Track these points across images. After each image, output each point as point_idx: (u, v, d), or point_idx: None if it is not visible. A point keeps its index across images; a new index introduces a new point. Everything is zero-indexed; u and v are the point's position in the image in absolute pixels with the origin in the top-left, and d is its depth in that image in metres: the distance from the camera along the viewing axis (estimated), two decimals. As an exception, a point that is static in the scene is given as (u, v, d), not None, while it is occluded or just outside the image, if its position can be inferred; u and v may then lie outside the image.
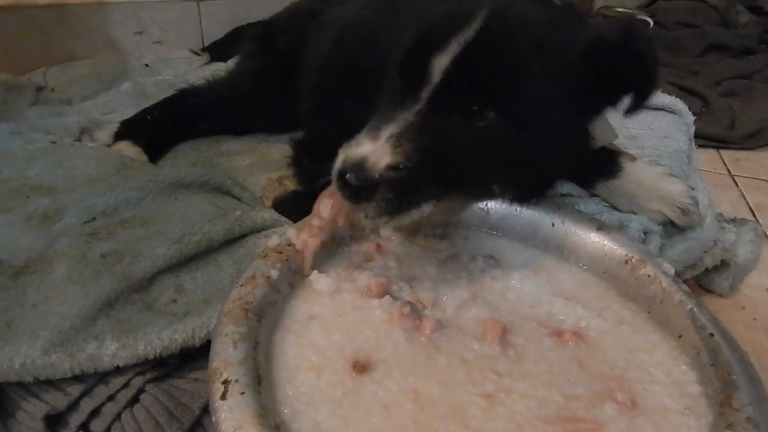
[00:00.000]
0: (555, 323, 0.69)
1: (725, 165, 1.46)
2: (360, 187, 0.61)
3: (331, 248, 0.78)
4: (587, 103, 0.75)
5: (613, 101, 0.76)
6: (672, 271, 0.74)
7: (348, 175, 0.61)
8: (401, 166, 0.61)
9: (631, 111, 0.74)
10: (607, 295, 0.75)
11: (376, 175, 0.60)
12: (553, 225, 0.83)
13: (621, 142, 1.13)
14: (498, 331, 0.64)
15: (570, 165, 0.88)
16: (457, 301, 0.69)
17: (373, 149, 0.61)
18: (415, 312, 0.66)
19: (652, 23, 2.14)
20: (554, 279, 0.76)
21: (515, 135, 0.69)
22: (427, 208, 0.69)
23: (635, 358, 0.64)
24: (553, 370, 0.62)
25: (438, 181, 0.66)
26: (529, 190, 0.84)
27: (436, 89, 0.64)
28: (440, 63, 0.63)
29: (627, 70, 0.70)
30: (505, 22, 0.66)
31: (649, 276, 0.74)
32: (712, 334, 0.65)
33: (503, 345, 0.64)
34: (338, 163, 0.64)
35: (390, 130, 0.62)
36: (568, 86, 0.69)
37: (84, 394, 0.65)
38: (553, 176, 0.90)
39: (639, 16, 2.17)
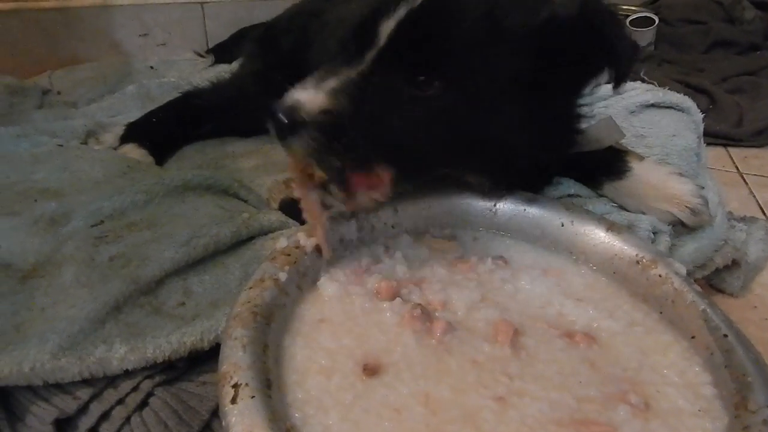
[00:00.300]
0: (566, 324, 0.68)
1: (733, 162, 1.45)
2: (292, 123, 0.62)
3: (339, 251, 0.77)
4: (550, 82, 0.71)
5: (581, 80, 0.74)
6: (684, 271, 0.74)
7: (279, 115, 0.62)
8: (333, 112, 0.62)
9: (616, 86, 0.72)
10: (617, 296, 0.74)
11: (306, 117, 0.62)
12: (562, 225, 0.83)
13: (629, 141, 1.13)
14: (509, 333, 0.64)
15: (546, 152, 0.83)
16: (467, 303, 0.69)
17: (309, 96, 0.63)
18: (426, 314, 0.65)
19: (657, 20, 2.13)
20: (564, 280, 0.76)
21: (464, 108, 0.68)
22: (385, 191, 0.71)
23: (648, 359, 0.64)
24: (564, 371, 0.61)
25: (377, 143, 0.67)
26: (506, 181, 0.83)
27: (380, 52, 0.65)
28: (386, 27, 0.64)
29: (586, 48, 0.68)
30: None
31: (660, 276, 0.73)
32: (725, 335, 0.64)
33: (514, 347, 0.63)
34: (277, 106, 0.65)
35: (330, 83, 0.64)
36: (524, 63, 0.67)
37: (93, 398, 0.64)
38: (530, 166, 0.85)
39: (644, 14, 2.16)
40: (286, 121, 0.62)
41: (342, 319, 0.66)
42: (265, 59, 1.40)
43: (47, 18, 1.61)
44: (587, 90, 0.79)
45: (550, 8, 0.66)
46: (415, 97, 0.66)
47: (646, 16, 2.14)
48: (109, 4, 1.67)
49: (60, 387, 0.64)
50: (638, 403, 0.57)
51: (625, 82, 0.69)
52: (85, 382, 0.64)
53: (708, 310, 0.67)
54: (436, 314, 0.67)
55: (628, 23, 2.14)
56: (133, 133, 1.22)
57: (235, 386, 0.54)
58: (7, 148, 1.02)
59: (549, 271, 0.77)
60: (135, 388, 0.65)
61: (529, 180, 0.88)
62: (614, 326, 0.68)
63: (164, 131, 1.26)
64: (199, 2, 1.78)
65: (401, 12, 0.64)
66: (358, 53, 0.66)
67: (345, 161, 0.66)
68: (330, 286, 0.70)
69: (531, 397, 0.57)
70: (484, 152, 0.75)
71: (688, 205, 0.92)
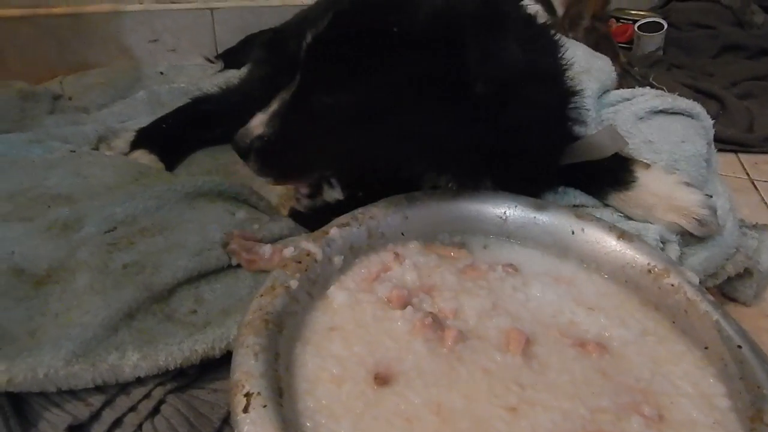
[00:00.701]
0: (578, 333, 0.68)
1: (744, 169, 1.44)
2: (241, 148, 0.79)
3: (349, 258, 0.77)
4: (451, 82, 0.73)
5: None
6: (696, 281, 0.73)
7: (236, 138, 0.80)
8: (264, 138, 0.77)
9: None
10: (629, 305, 0.74)
11: (248, 143, 0.78)
12: (572, 233, 0.83)
13: (637, 147, 1.12)
14: (521, 342, 0.63)
15: (523, 153, 0.84)
16: (479, 311, 0.69)
17: (255, 123, 0.78)
18: (437, 323, 0.65)
19: (666, 25, 2.12)
20: (575, 288, 0.76)
21: (375, 111, 0.75)
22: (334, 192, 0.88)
23: (661, 369, 0.63)
24: (576, 381, 0.61)
25: (306, 152, 0.80)
26: (471, 180, 0.86)
27: (302, 72, 0.76)
28: (302, 49, 0.75)
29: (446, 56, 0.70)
30: (352, 13, 0.72)
31: (672, 285, 0.73)
32: (739, 346, 0.64)
33: (526, 356, 0.63)
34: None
35: (273, 107, 0.78)
36: (422, 65, 0.71)
37: (106, 405, 0.65)
38: (522, 168, 0.87)
39: (652, 18, 2.15)
40: (240, 146, 0.79)
41: (353, 327, 0.66)
42: (273, 64, 1.41)
43: (59, 24, 1.63)
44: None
45: (431, 11, 0.70)
46: (335, 105, 0.75)
47: (654, 21, 2.13)
48: (120, 11, 1.68)
49: (73, 393, 0.64)
50: (652, 415, 0.56)
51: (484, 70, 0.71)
52: (98, 388, 0.65)
53: (721, 320, 0.67)
54: (448, 322, 0.67)
55: (636, 28, 2.14)
56: (143, 138, 1.22)
57: (248, 395, 0.54)
58: (21, 154, 1.03)
59: (560, 278, 0.77)
60: (147, 395, 0.66)
61: (527, 184, 0.89)
62: (626, 335, 0.68)
63: (174, 137, 1.26)
64: (208, 8, 1.79)
65: (308, 36, 0.74)
66: (293, 74, 0.78)
67: (277, 176, 0.83)
68: (340, 294, 0.70)
69: (543, 407, 0.57)
70: (414, 153, 0.82)
71: (695, 216, 0.91)
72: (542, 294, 0.73)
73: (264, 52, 1.46)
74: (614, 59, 1.47)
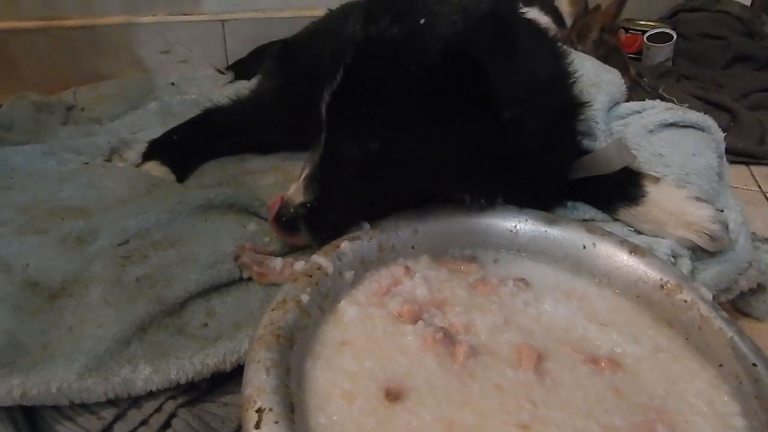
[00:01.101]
0: (590, 349, 0.67)
1: (756, 181, 1.43)
2: (286, 222, 0.79)
3: (360, 272, 0.77)
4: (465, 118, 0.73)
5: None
6: (710, 297, 0.73)
7: (279, 212, 0.80)
8: (308, 204, 0.77)
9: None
10: (642, 320, 0.73)
11: (293, 212, 0.79)
12: (584, 247, 0.82)
13: (647, 160, 1.11)
14: (533, 358, 0.63)
15: (535, 166, 0.85)
16: (490, 326, 0.68)
17: (292, 193, 0.79)
18: (449, 338, 0.65)
19: (675, 35, 2.11)
20: (587, 303, 0.75)
21: (404, 155, 0.75)
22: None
23: (675, 387, 0.63)
24: (589, 399, 0.61)
25: (348, 208, 0.80)
26: (495, 195, 0.86)
27: (327, 132, 0.76)
28: (323, 109, 0.76)
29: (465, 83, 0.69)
30: (365, 57, 0.71)
31: (685, 301, 0.72)
32: (755, 364, 0.63)
33: (538, 372, 0.63)
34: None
35: (306, 172, 0.79)
36: (435, 94, 0.70)
37: (117, 419, 0.65)
38: (531, 182, 0.87)
39: (661, 29, 2.15)
40: (284, 220, 0.80)
41: (364, 342, 0.66)
42: (284, 76, 1.42)
43: (73, 35, 1.65)
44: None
45: (443, 44, 0.69)
46: (365, 155, 0.75)
47: (663, 32, 2.13)
48: (132, 22, 1.71)
49: (85, 407, 0.65)
50: (666, 434, 0.56)
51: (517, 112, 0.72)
52: (110, 402, 0.65)
53: (736, 337, 0.66)
54: (459, 338, 0.67)
55: (645, 39, 2.14)
56: (155, 150, 1.23)
57: (259, 411, 0.54)
58: (35, 166, 1.04)
59: (572, 293, 0.76)
60: (158, 409, 0.66)
61: (537, 198, 0.89)
62: (639, 352, 0.67)
63: (185, 148, 1.27)
64: (219, 20, 1.81)
65: (326, 96, 0.74)
66: (318, 135, 0.78)
67: (330, 237, 0.79)
68: (350, 308, 0.70)
69: (556, 425, 0.56)
70: (442, 180, 0.82)
71: (706, 232, 0.90)
72: (554, 309, 0.73)
73: (275, 64, 1.48)
74: (624, 72, 1.46)
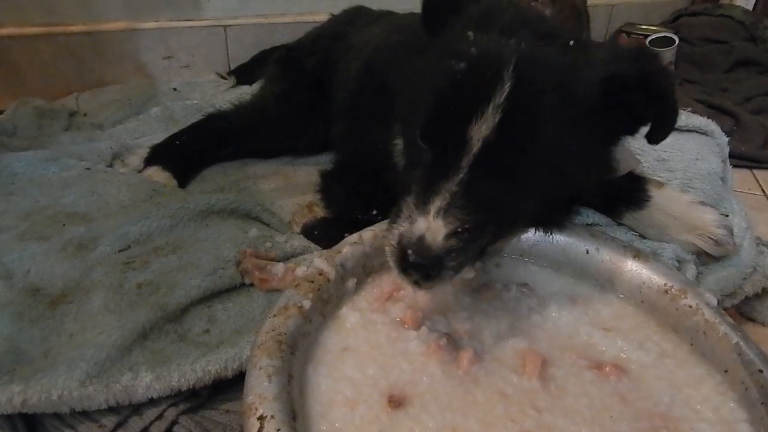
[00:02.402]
0: (595, 355, 0.67)
1: (759, 185, 1.42)
2: (426, 266, 0.63)
3: (361, 277, 0.77)
4: (608, 134, 0.76)
5: (632, 131, 0.77)
6: (714, 302, 0.72)
7: (411, 256, 0.63)
8: (459, 230, 0.63)
9: (653, 141, 0.75)
10: (646, 326, 0.73)
11: (440, 249, 0.62)
12: (587, 252, 0.82)
13: (651, 165, 1.11)
14: (537, 364, 0.63)
15: (591, 190, 0.89)
16: (495, 333, 0.68)
17: (428, 225, 0.63)
18: (453, 344, 0.65)
19: (677, 40, 2.11)
20: (591, 309, 0.75)
21: (550, 180, 0.70)
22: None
23: (680, 393, 0.62)
24: (594, 405, 0.60)
25: (490, 233, 0.71)
26: (555, 218, 0.85)
27: (476, 157, 0.64)
28: (478, 131, 0.63)
29: (645, 106, 0.71)
30: (531, 78, 0.64)
31: (690, 307, 0.72)
32: (761, 370, 0.62)
33: (543, 379, 0.62)
34: (394, 244, 0.65)
35: (437, 203, 0.64)
36: (590, 124, 0.69)
37: (118, 426, 0.65)
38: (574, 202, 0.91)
39: (664, 33, 2.15)
40: (424, 262, 0.63)
41: (366, 348, 0.66)
42: (287, 81, 1.42)
43: (76, 42, 1.66)
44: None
45: (609, 69, 0.69)
46: (512, 185, 0.68)
47: (666, 36, 2.13)
48: (135, 28, 1.71)
49: (86, 414, 0.64)
50: (672, 442, 0.55)
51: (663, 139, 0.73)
52: (111, 409, 0.65)
53: (741, 343, 0.65)
54: (463, 343, 0.66)
55: (647, 43, 2.13)
56: (157, 155, 1.23)
57: (261, 418, 0.53)
58: (38, 172, 1.04)
59: (576, 299, 0.76)
60: (159, 416, 0.66)
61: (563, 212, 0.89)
62: (644, 358, 0.67)
63: (187, 154, 1.27)
64: (221, 25, 1.81)
65: (491, 115, 0.63)
66: (448, 160, 0.66)
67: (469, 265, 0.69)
68: (352, 315, 0.70)
69: (560, 433, 0.56)
70: (559, 202, 0.81)
71: (711, 236, 0.90)
72: (558, 315, 0.72)
73: (278, 69, 1.48)
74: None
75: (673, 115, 0.73)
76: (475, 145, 0.64)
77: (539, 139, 0.66)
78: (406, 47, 1.05)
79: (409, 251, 0.62)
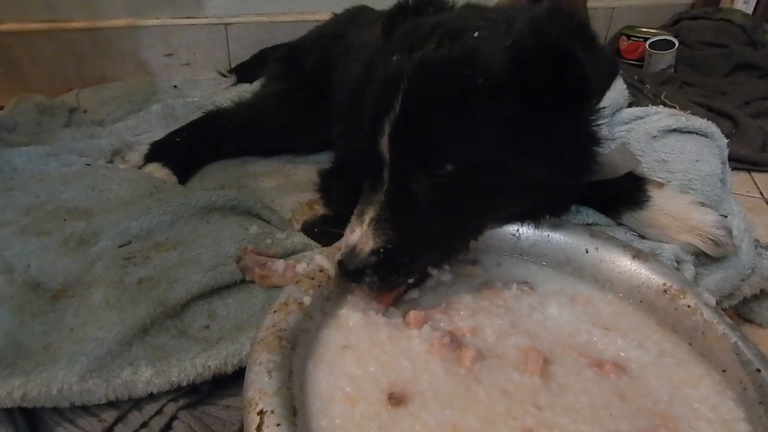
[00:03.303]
0: (595, 354, 0.67)
1: (758, 188, 1.43)
2: (353, 271, 0.69)
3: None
4: (544, 118, 0.69)
5: (574, 106, 0.71)
6: (713, 302, 0.72)
7: (344, 261, 0.70)
8: (381, 250, 0.68)
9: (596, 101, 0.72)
10: (646, 325, 0.73)
11: (361, 261, 0.68)
12: (586, 252, 0.82)
13: (651, 166, 1.11)
14: (539, 362, 0.63)
15: (564, 178, 0.81)
16: (497, 330, 0.68)
17: (360, 236, 0.70)
18: (456, 342, 0.65)
19: (677, 43, 2.12)
20: (592, 307, 0.75)
21: (481, 173, 0.70)
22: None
23: (679, 392, 0.62)
24: (595, 404, 0.60)
25: (423, 245, 0.72)
26: (534, 215, 0.85)
27: (390, 168, 0.69)
28: (383, 144, 0.68)
29: (556, 77, 0.66)
30: (421, 86, 0.66)
31: (689, 307, 0.72)
32: (759, 370, 0.63)
33: (544, 377, 0.62)
34: (341, 248, 0.72)
35: (370, 214, 0.70)
36: (510, 109, 0.67)
37: (118, 421, 0.65)
38: (559, 195, 0.85)
39: (663, 36, 2.15)
40: (351, 271, 0.69)
41: (368, 346, 0.66)
42: (289, 80, 1.42)
43: (77, 38, 1.66)
44: (590, 113, 0.78)
45: (510, 50, 0.66)
46: (438, 185, 0.69)
47: (665, 39, 2.13)
48: (136, 25, 1.72)
49: (85, 409, 0.64)
50: (671, 440, 0.55)
51: (602, 95, 0.70)
52: (111, 404, 0.65)
53: (740, 343, 0.66)
54: (466, 341, 0.66)
55: (647, 46, 2.14)
56: (157, 152, 1.23)
57: (261, 413, 0.53)
58: (38, 168, 1.04)
59: (576, 298, 0.76)
60: (159, 411, 0.66)
61: (546, 208, 0.87)
62: (644, 357, 0.67)
63: (188, 151, 1.27)
64: (223, 23, 1.82)
65: (387, 128, 0.67)
66: (377, 174, 0.71)
67: (400, 282, 0.72)
68: (354, 314, 0.70)
69: (560, 430, 0.56)
70: (511, 202, 0.78)
71: (710, 237, 0.90)
72: (559, 313, 0.73)
73: (279, 68, 1.48)
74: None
75: (597, 74, 0.65)
76: (387, 158, 0.68)
77: (438, 146, 0.67)
78: None
79: (342, 258, 0.70)
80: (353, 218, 0.72)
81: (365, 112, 0.73)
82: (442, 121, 0.66)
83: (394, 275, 0.69)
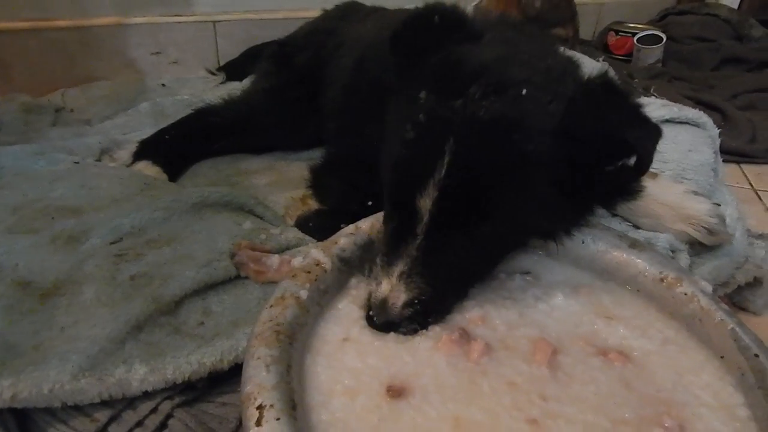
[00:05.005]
0: (601, 342, 0.67)
1: (747, 179, 1.44)
2: (386, 323, 0.67)
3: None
4: (582, 176, 0.70)
5: (610, 162, 0.71)
6: (710, 290, 0.72)
7: (375, 317, 0.67)
8: (416, 301, 0.67)
9: (637, 173, 0.70)
10: (647, 313, 0.73)
11: (396, 315, 0.67)
12: (582, 243, 0.82)
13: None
14: (547, 353, 0.63)
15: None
16: (506, 321, 0.68)
17: (390, 289, 0.67)
18: (464, 338, 0.64)
19: (665, 38, 2.14)
20: (594, 297, 0.75)
21: (521, 227, 0.71)
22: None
23: (682, 379, 0.62)
24: (601, 392, 0.60)
25: (455, 290, 0.72)
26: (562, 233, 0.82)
27: (428, 225, 0.66)
28: (423, 202, 0.65)
29: (603, 142, 0.66)
30: (471, 151, 0.63)
31: (686, 294, 0.72)
32: (756, 355, 0.63)
33: (552, 367, 0.62)
34: (365, 298, 0.70)
35: (399, 267, 0.68)
36: (546, 177, 0.66)
37: (112, 420, 0.63)
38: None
39: (651, 31, 2.17)
40: (384, 323, 0.67)
41: (369, 339, 0.65)
42: (279, 76, 1.41)
43: (64, 37, 1.63)
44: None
45: (564, 120, 0.65)
46: (472, 238, 0.68)
47: (653, 34, 2.15)
48: (124, 23, 1.69)
49: (78, 409, 0.63)
50: (673, 426, 0.55)
51: (647, 168, 0.68)
52: (104, 403, 0.63)
53: (737, 329, 0.66)
54: (477, 331, 0.66)
55: (636, 41, 2.16)
56: (146, 150, 1.22)
57: (260, 408, 0.52)
58: (25, 166, 1.02)
59: (579, 288, 0.76)
60: (154, 410, 0.64)
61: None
62: (648, 345, 0.67)
63: (177, 148, 1.26)
64: (211, 21, 1.80)
65: (432, 190, 0.64)
66: (408, 227, 0.68)
67: (437, 320, 0.70)
68: (355, 309, 0.69)
69: (565, 420, 0.56)
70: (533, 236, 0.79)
71: (704, 225, 0.91)
72: (564, 303, 0.72)
73: (270, 64, 1.47)
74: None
75: (643, 158, 0.66)
76: (425, 215, 0.66)
77: (489, 207, 0.65)
78: None
79: (371, 312, 0.67)
80: (377, 270, 0.70)
81: (391, 154, 0.70)
82: (491, 185, 0.64)
83: (431, 318, 0.68)
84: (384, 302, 0.67)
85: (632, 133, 0.64)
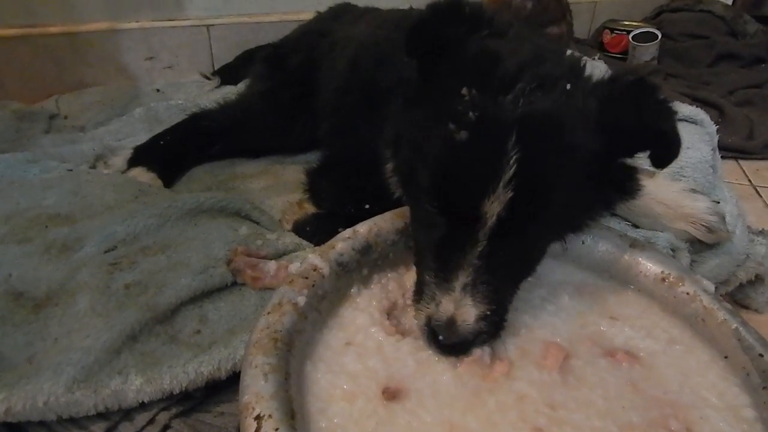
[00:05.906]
0: (606, 343, 0.66)
1: (746, 175, 1.44)
2: (459, 344, 0.63)
3: (363, 275, 0.75)
4: (608, 174, 0.71)
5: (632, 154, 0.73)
6: (712, 289, 0.72)
7: (444, 339, 0.63)
8: (488, 312, 0.63)
9: (657, 167, 0.71)
10: (651, 313, 0.73)
11: (472, 333, 0.62)
12: (583, 243, 0.81)
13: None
14: (559, 358, 0.62)
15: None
16: (525, 324, 0.68)
17: (456, 306, 0.63)
18: (491, 356, 0.63)
19: (660, 35, 2.13)
20: (598, 297, 0.74)
21: (562, 224, 0.71)
22: None
23: (689, 380, 0.62)
24: (609, 396, 0.59)
25: (512, 295, 0.69)
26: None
27: (493, 229, 0.63)
28: (492, 207, 0.61)
29: (643, 143, 0.68)
30: (536, 145, 0.61)
31: (688, 294, 0.71)
32: (761, 355, 0.62)
33: (563, 371, 0.61)
34: (424, 324, 0.65)
35: (461, 279, 0.63)
36: (592, 170, 0.66)
37: (108, 432, 0.62)
38: None
39: (646, 29, 2.17)
40: (459, 344, 0.63)
41: (374, 345, 0.64)
42: (274, 79, 1.40)
43: (55, 43, 1.62)
44: None
45: (609, 117, 0.65)
46: (527, 238, 0.67)
47: (648, 31, 2.15)
48: (116, 28, 1.68)
49: (73, 421, 0.62)
50: (680, 430, 0.54)
51: (677, 155, 0.68)
52: (100, 415, 0.62)
53: (741, 328, 0.65)
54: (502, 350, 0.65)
55: (631, 39, 2.15)
56: (141, 156, 1.20)
57: (258, 418, 0.51)
58: (18, 174, 1.01)
59: (582, 288, 0.75)
60: (151, 421, 0.63)
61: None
62: (654, 345, 0.67)
63: (172, 153, 1.24)
64: (205, 25, 1.79)
65: (502, 194, 0.61)
66: (464, 233, 0.64)
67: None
68: (359, 316, 0.68)
69: (572, 427, 0.55)
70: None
71: (703, 223, 0.90)
72: (570, 304, 0.72)
73: (265, 68, 1.46)
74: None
75: (675, 148, 0.67)
76: (491, 219, 0.62)
77: (550, 205, 0.64)
78: (391, 44, 1.04)
79: (441, 337, 0.62)
80: (430, 288, 0.65)
81: (434, 157, 0.66)
82: (552, 182, 0.63)
83: (501, 327, 0.66)
84: (451, 321, 0.62)
85: (668, 125, 0.66)
